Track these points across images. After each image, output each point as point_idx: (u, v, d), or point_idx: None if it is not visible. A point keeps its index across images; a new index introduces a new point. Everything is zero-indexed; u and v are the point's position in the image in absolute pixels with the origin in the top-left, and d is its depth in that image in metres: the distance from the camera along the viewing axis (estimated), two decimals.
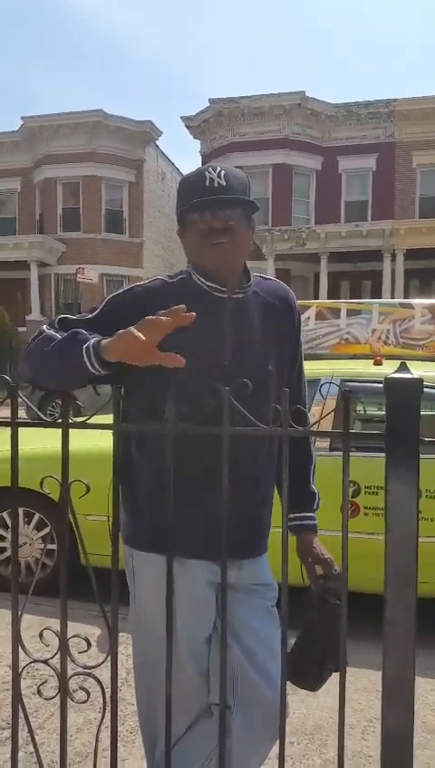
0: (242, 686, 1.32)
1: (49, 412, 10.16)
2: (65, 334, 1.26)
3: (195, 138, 20.60)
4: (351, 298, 17.92)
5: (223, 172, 1.33)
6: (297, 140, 18.90)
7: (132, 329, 1.14)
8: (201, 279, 1.37)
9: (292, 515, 1.54)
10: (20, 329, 18.49)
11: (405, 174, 18.83)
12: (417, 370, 1.26)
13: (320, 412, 3.24)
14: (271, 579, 1.50)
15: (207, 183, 1.31)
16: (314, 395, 3.36)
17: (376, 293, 17.11)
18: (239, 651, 1.35)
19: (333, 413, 3.21)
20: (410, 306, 4.16)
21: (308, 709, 2.35)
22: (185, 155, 63.85)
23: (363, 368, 3.45)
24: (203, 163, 20.34)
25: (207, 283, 1.36)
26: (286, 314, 1.49)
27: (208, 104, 19.15)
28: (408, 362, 1.29)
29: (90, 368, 1.20)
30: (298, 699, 2.40)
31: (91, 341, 1.20)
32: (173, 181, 24.21)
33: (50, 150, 20.20)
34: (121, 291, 1.40)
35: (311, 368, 3.63)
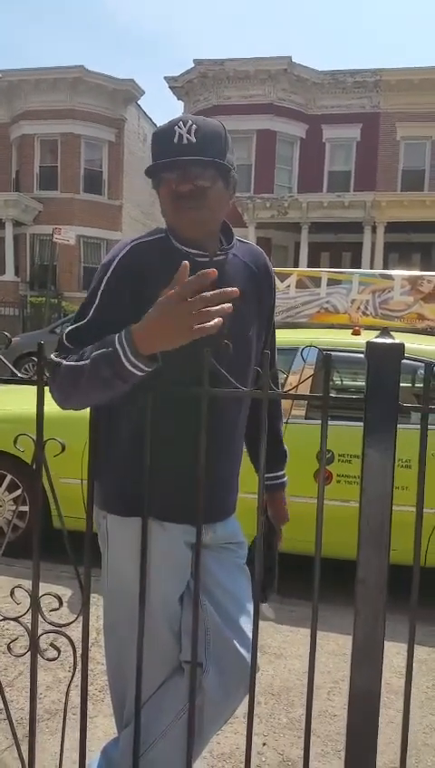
0: (214, 644, 1.33)
1: (24, 370, 10.06)
2: (87, 362, 1.13)
3: (179, 99, 20.06)
4: (331, 268, 17.84)
5: (194, 126, 1.21)
6: (282, 106, 18.53)
7: (164, 304, 1.04)
8: (175, 242, 1.28)
9: (267, 474, 1.56)
10: None
11: (389, 145, 18.65)
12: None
13: (298, 379, 3.24)
14: (242, 537, 1.52)
15: (176, 139, 1.21)
16: (292, 362, 3.35)
17: (356, 265, 17.06)
18: (212, 609, 1.35)
19: (310, 379, 3.21)
20: (390, 278, 4.15)
21: (276, 671, 2.40)
22: (169, 116, 62.31)
23: (342, 337, 3.44)
24: None
25: (183, 247, 1.28)
26: (265, 278, 1.44)
27: (193, 65, 18.61)
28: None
29: (140, 374, 1.10)
30: (266, 661, 2.45)
31: (125, 341, 1.09)
32: None
33: (28, 106, 19.50)
34: (108, 266, 1.25)
35: (290, 336, 3.62)
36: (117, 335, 1.11)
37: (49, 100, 19.27)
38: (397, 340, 1.17)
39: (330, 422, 3.60)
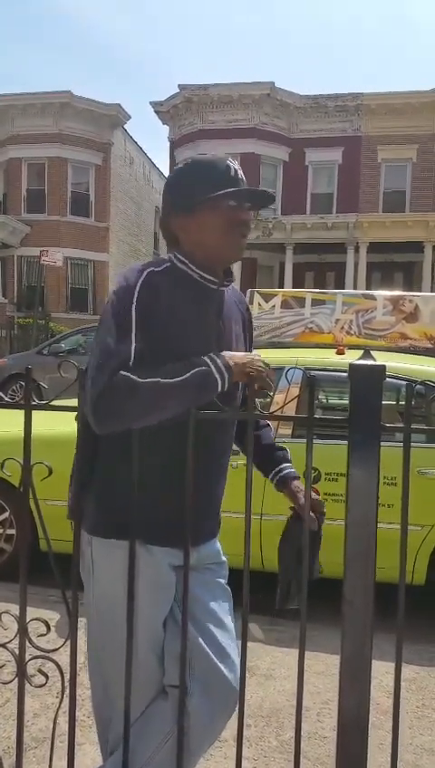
0: (198, 666, 1.32)
1: (10, 395, 10.00)
2: (187, 376, 1.22)
3: (164, 123, 20.32)
4: (315, 288, 18.04)
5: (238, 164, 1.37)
6: (265, 130, 18.84)
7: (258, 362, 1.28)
8: (193, 268, 1.35)
9: (278, 471, 1.62)
10: None
11: (370, 168, 19.01)
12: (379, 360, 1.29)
13: (284, 399, 3.26)
14: (223, 557, 1.53)
15: (233, 174, 1.33)
16: (278, 382, 3.38)
17: (339, 285, 17.27)
18: (195, 631, 1.34)
19: (296, 399, 3.24)
20: (373, 297, 4.21)
21: (265, 693, 2.38)
22: (155, 141, 63.06)
23: (327, 356, 3.48)
24: (171, 149, 20.14)
25: (199, 272, 1.35)
26: (248, 317, 1.55)
27: (178, 90, 18.90)
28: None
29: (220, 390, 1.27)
30: (255, 682, 2.43)
31: (222, 365, 1.26)
32: (141, 166, 23.87)
33: (15, 130, 19.65)
34: (137, 289, 1.27)
35: (276, 355, 3.66)
36: (207, 357, 1.25)
37: (36, 124, 19.43)
38: (379, 362, 1.20)
39: (316, 441, 3.63)
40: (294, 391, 3.28)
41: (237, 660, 1.38)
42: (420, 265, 16.91)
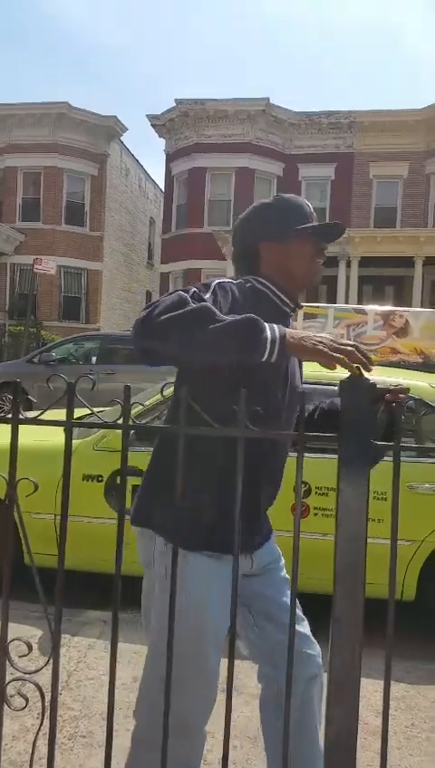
0: (283, 659, 1.35)
1: (0, 401, 9.94)
2: (240, 318, 1.21)
3: (160, 136, 20.46)
4: (307, 302, 18.11)
5: None
6: (260, 146, 19.01)
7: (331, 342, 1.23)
8: (274, 290, 1.50)
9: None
10: None
11: (362, 184, 19.20)
12: (367, 375, 1.28)
13: None
14: (278, 551, 1.67)
15: (311, 210, 1.55)
16: None
17: (331, 298, 17.36)
18: (275, 629, 1.52)
19: None
20: (364, 312, 4.23)
21: (253, 712, 2.34)
22: (150, 153, 63.63)
23: (316, 370, 3.47)
24: (167, 162, 20.27)
25: (279, 295, 1.50)
26: None
27: (174, 104, 19.05)
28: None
29: (265, 357, 1.20)
30: (242, 701, 2.40)
31: (277, 332, 1.21)
32: (137, 177, 23.96)
33: (12, 140, 19.71)
34: (223, 282, 1.38)
35: None
36: (269, 324, 1.22)
37: (33, 134, 19.51)
38: (369, 379, 1.19)
39: (306, 454, 3.61)
40: None
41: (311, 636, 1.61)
42: (410, 280, 17.03)
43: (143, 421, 3.30)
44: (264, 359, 1.20)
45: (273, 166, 19.30)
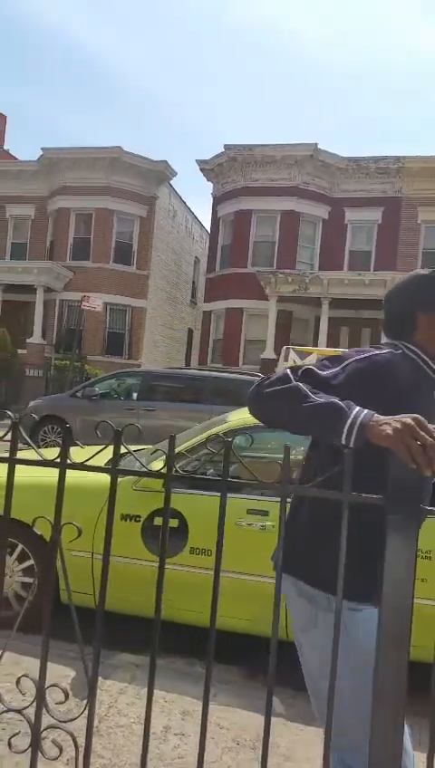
0: None
1: (42, 434, 10.11)
2: (324, 400, 1.31)
3: (208, 180, 21.03)
4: (350, 344, 18.03)
5: None
6: (307, 190, 19.31)
7: (417, 431, 1.18)
8: (426, 358, 1.56)
9: None
10: (20, 351, 18.58)
11: (410, 229, 19.20)
12: None
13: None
14: None
15: None
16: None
17: (375, 341, 17.22)
18: None
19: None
20: None
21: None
22: (198, 195, 65.26)
23: None
24: (214, 204, 20.79)
25: (430, 362, 1.56)
26: None
27: (223, 149, 19.62)
28: None
29: (343, 441, 1.25)
30: (274, 764, 2.31)
31: (360, 419, 1.24)
32: (184, 219, 24.62)
33: (66, 182, 20.58)
34: (363, 358, 1.48)
35: None
36: (359, 407, 1.28)
37: (87, 177, 20.34)
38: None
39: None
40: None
41: None
42: None
43: (181, 462, 3.30)
44: (342, 442, 1.25)
45: (319, 209, 19.54)
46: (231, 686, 2.89)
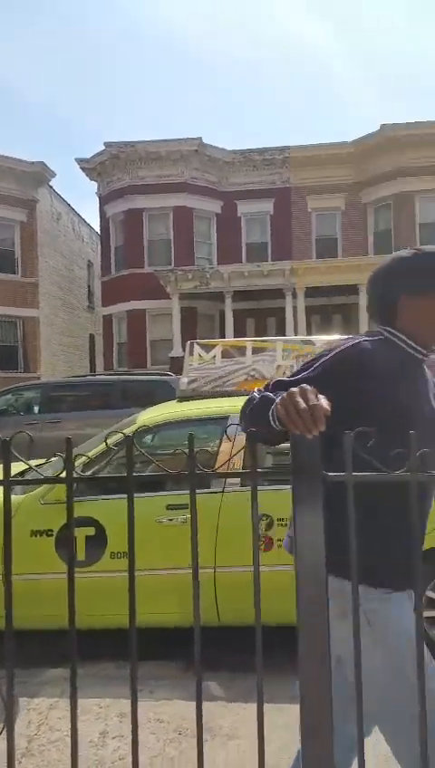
0: None
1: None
2: (258, 400, 1.43)
3: (91, 179, 20.63)
4: (256, 335, 18.43)
5: None
6: (196, 185, 19.44)
7: (295, 397, 1.23)
8: (408, 341, 1.57)
9: None
10: None
11: (301, 217, 19.86)
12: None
13: (230, 449, 3.27)
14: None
15: None
16: (224, 431, 3.40)
17: (280, 330, 17.72)
18: None
19: (243, 450, 3.25)
20: (312, 343, 4.34)
21: (228, 754, 2.30)
22: (82, 196, 63.67)
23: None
24: (101, 204, 20.46)
25: (413, 345, 1.57)
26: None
27: (104, 147, 19.30)
28: None
29: (275, 425, 1.33)
30: (218, 743, 2.35)
31: (276, 402, 1.30)
32: (70, 221, 23.92)
33: None
34: (335, 352, 1.50)
35: (220, 405, 3.68)
36: (279, 394, 1.34)
37: None
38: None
39: (266, 487, 3.62)
40: (241, 440, 3.30)
41: None
42: (356, 307, 17.58)
43: (90, 471, 3.25)
44: (276, 427, 1.33)
45: (211, 204, 19.76)
46: (168, 680, 2.90)
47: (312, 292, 17.23)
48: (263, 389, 1.51)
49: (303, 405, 1.19)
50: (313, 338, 4.49)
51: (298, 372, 1.53)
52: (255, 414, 1.43)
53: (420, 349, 1.58)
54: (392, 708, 1.45)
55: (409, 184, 18.43)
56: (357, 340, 1.54)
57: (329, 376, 1.46)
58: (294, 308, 17.27)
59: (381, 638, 1.43)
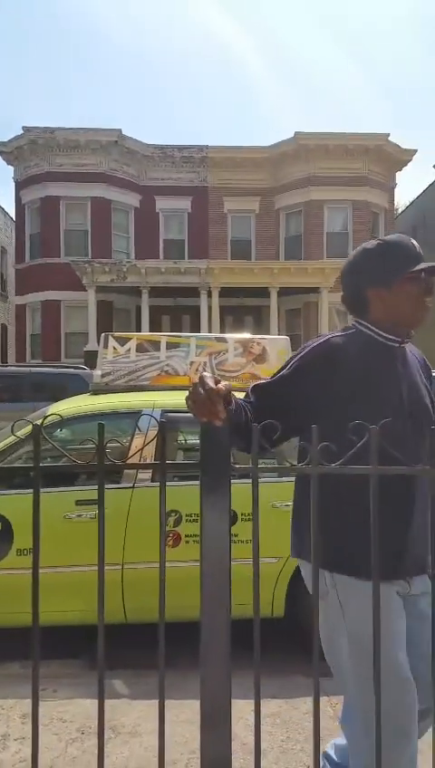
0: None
1: None
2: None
3: (8, 164, 19.89)
4: (172, 332, 18.41)
5: None
6: (115, 176, 19.15)
7: (196, 387, 1.27)
8: (378, 331, 1.60)
9: None
10: None
11: (217, 217, 20.03)
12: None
13: (142, 443, 3.25)
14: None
15: (418, 250, 1.58)
16: (136, 426, 3.37)
17: (195, 328, 17.80)
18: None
19: (155, 443, 3.24)
20: (224, 340, 4.38)
21: (131, 751, 2.29)
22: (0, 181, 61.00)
23: (183, 398, 3.53)
24: (17, 190, 19.72)
25: (383, 335, 1.59)
26: (425, 369, 1.73)
27: (22, 131, 18.65)
28: None
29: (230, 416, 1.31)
30: (121, 741, 2.33)
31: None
32: None
33: None
34: (307, 350, 1.56)
35: (132, 399, 3.64)
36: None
37: None
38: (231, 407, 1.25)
39: (176, 483, 3.63)
40: (153, 434, 3.28)
41: None
42: (267, 309, 17.97)
43: None
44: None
45: (129, 197, 19.52)
46: (73, 678, 2.85)
47: (226, 292, 17.44)
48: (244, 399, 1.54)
49: (201, 392, 1.24)
50: (226, 336, 4.54)
51: (275, 374, 1.59)
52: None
53: (391, 337, 1.61)
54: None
55: (318, 193, 19.06)
56: (326, 337, 1.60)
57: (302, 372, 1.53)
58: (209, 307, 17.40)
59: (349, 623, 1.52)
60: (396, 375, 1.58)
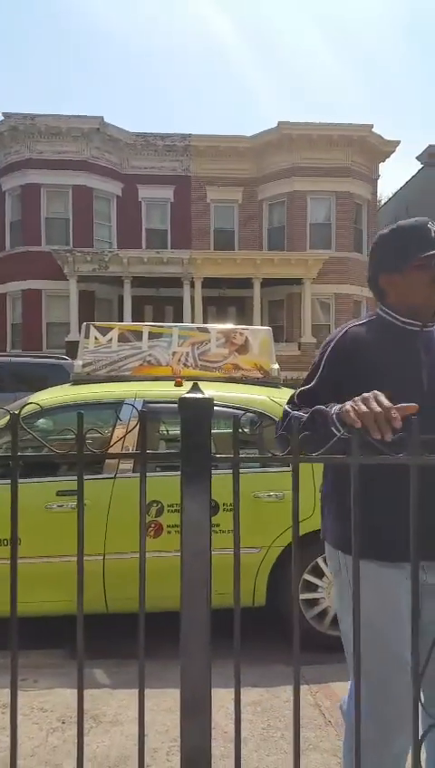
0: None
1: None
2: (308, 415, 1.47)
3: None
4: (154, 322, 18.32)
5: None
6: (97, 164, 18.93)
7: (370, 403, 1.29)
8: (397, 316, 1.61)
9: None
10: None
11: (200, 207, 19.91)
12: (212, 390, 1.33)
13: (123, 433, 3.24)
14: None
15: (433, 235, 1.55)
16: (117, 415, 3.35)
17: (178, 318, 17.74)
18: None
19: (136, 434, 3.22)
20: (207, 331, 4.37)
21: (112, 740, 2.29)
22: None
23: (165, 389, 3.53)
24: None
25: (402, 319, 1.60)
26: None
27: (2, 117, 18.34)
28: (205, 383, 1.37)
29: (340, 434, 1.35)
30: (102, 730, 2.34)
31: (333, 413, 1.38)
32: None
33: None
34: (332, 344, 1.60)
35: (114, 389, 3.63)
36: (335, 404, 1.42)
37: None
38: (206, 395, 1.24)
39: (158, 473, 3.62)
40: (133, 424, 3.27)
41: None
42: (250, 300, 17.97)
43: None
44: (339, 434, 1.37)
45: (111, 185, 19.32)
46: (54, 668, 2.84)
47: (209, 282, 17.39)
48: (289, 403, 1.61)
49: (378, 408, 1.27)
50: (208, 326, 4.52)
51: (310, 376, 1.63)
52: (308, 425, 1.46)
53: (411, 321, 1.60)
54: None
55: (301, 183, 19.01)
56: (347, 327, 1.63)
57: (334, 367, 1.57)
58: (192, 297, 17.35)
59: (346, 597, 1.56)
60: (418, 360, 1.57)
